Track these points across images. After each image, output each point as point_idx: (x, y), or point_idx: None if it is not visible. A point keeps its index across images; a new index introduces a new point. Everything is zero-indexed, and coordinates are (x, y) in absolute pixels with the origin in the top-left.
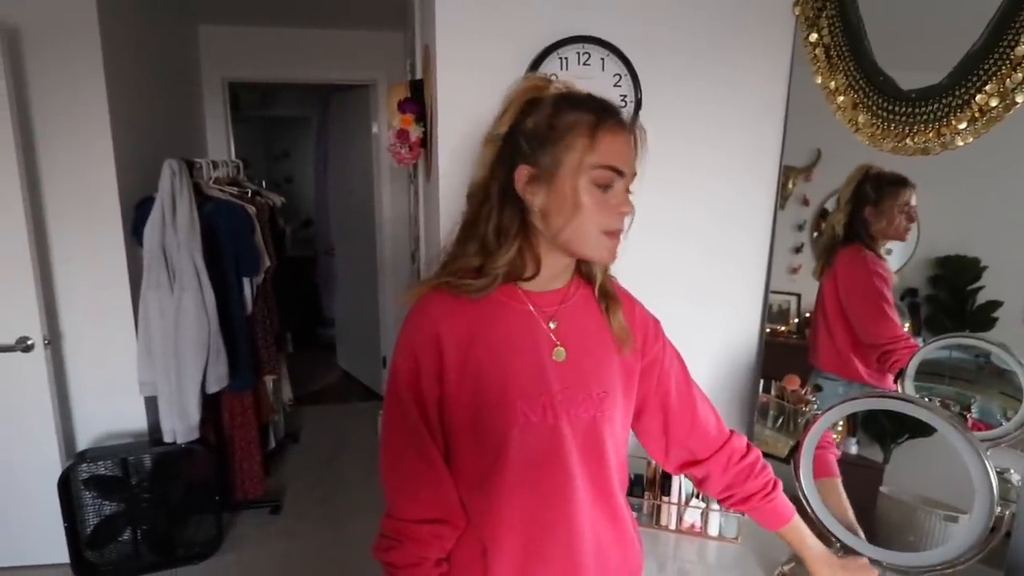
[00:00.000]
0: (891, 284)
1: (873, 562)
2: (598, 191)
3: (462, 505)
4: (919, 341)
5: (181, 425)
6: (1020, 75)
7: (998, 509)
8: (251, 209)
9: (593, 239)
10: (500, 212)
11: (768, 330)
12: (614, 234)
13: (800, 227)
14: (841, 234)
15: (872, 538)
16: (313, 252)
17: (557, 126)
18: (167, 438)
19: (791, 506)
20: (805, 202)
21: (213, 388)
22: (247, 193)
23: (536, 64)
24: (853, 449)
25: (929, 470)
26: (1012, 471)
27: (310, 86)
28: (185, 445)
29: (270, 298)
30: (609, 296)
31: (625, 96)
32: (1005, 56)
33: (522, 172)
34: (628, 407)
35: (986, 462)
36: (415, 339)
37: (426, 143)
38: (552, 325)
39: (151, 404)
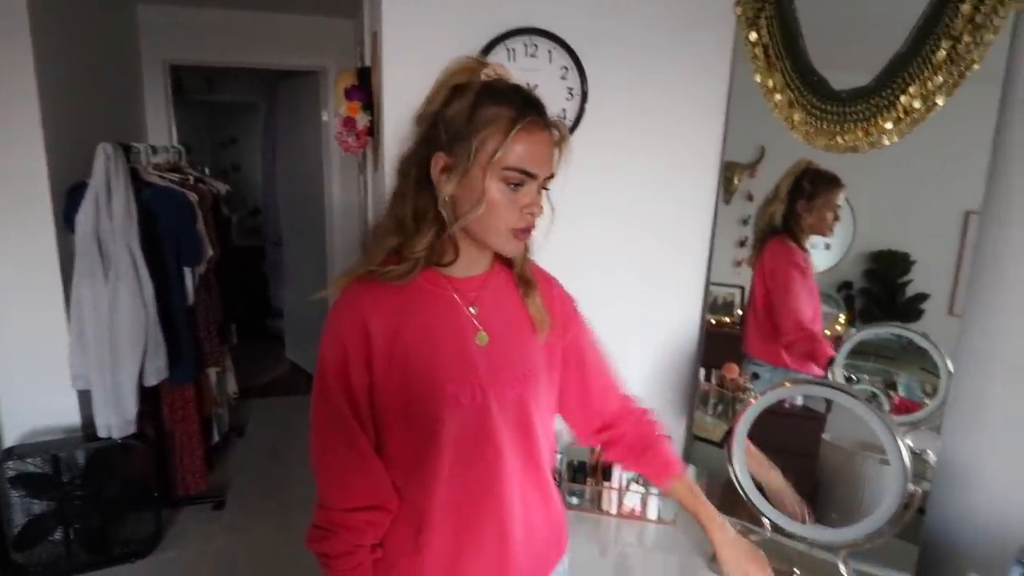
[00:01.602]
0: (809, 276)
1: (795, 538)
2: (508, 189)
3: (394, 490)
4: (852, 331)
5: (117, 419)
6: (940, 79)
7: (911, 487)
8: (193, 196)
9: (502, 235)
10: (417, 195)
11: (713, 321)
12: (522, 232)
13: (745, 222)
14: (780, 223)
15: (816, 484)
16: (261, 242)
17: (475, 120)
18: (102, 433)
19: (681, 463)
20: (750, 198)
21: (152, 381)
22: (189, 180)
23: (483, 54)
24: (799, 401)
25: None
26: (929, 452)
27: (258, 71)
28: (121, 440)
29: (213, 289)
30: (528, 282)
31: (572, 88)
32: (927, 60)
33: (438, 159)
34: (552, 383)
35: (900, 444)
36: (342, 330)
37: (373, 132)
38: (473, 310)
39: (85, 398)
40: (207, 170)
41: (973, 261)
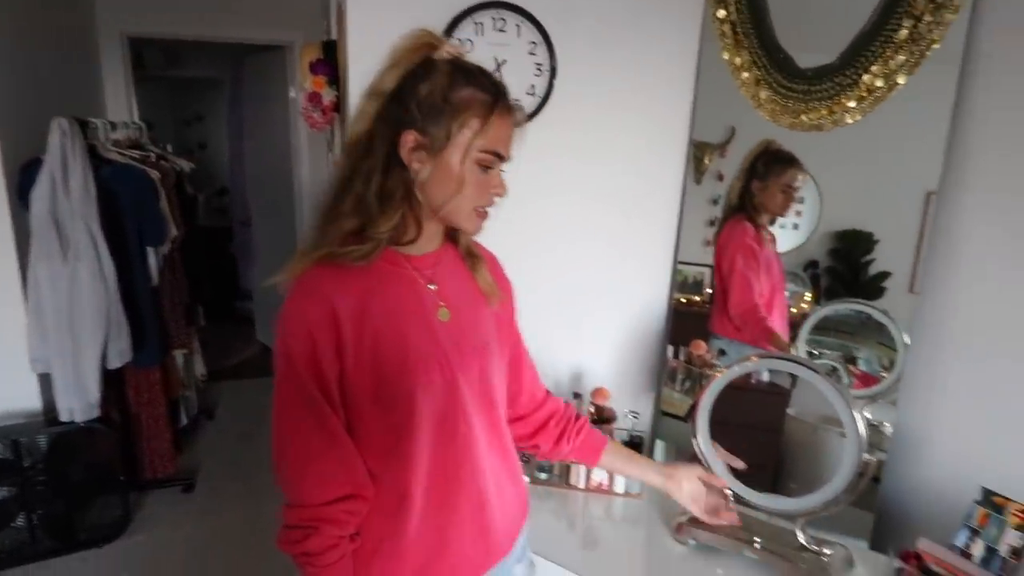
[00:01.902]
0: (759, 256)
1: (756, 507)
2: (480, 172)
3: (369, 476)
4: (817, 308)
5: (79, 403)
6: (902, 57)
7: (865, 456)
8: (155, 174)
9: (466, 215)
10: (384, 175)
11: (684, 300)
12: (485, 213)
13: (715, 201)
14: (735, 203)
15: (781, 458)
16: (229, 222)
17: (452, 100)
18: (64, 417)
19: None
20: (720, 177)
21: (115, 363)
22: (150, 157)
23: (451, 28)
24: (765, 376)
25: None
26: (886, 423)
27: (223, 45)
28: (85, 424)
29: (179, 269)
30: (474, 255)
31: (540, 64)
32: (889, 39)
33: (408, 138)
34: (503, 355)
35: (854, 414)
36: (309, 319)
37: (339, 107)
38: (432, 287)
39: (46, 381)
40: (170, 147)
41: (929, 240)
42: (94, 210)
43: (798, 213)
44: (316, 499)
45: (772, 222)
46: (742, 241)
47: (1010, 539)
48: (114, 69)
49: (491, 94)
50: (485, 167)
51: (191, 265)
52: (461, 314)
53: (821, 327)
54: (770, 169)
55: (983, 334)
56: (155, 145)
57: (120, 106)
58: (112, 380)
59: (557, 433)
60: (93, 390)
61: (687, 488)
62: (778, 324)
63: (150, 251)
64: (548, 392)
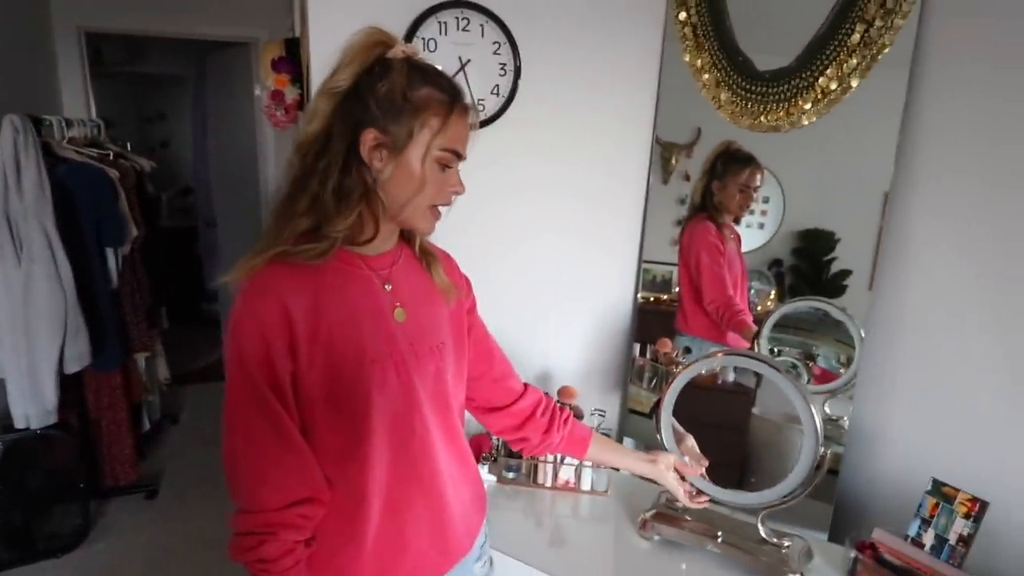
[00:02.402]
0: (725, 253)
1: (717, 501)
2: (439, 170)
3: (327, 479)
4: (780, 305)
5: (35, 409)
6: (855, 61)
7: (822, 449)
8: (113, 173)
9: (422, 213)
10: (342, 173)
11: (651, 299)
12: (439, 211)
13: (682, 201)
14: (697, 202)
15: (746, 456)
16: (193, 222)
17: (412, 99)
18: (19, 424)
19: (588, 427)
20: (687, 177)
21: (73, 368)
22: (109, 156)
23: (414, 27)
24: (730, 377)
25: None
26: (845, 418)
27: (185, 41)
28: (41, 431)
29: (140, 270)
30: (428, 253)
31: (504, 64)
32: (843, 43)
33: (368, 136)
34: (461, 353)
35: (811, 408)
36: (261, 319)
37: (303, 106)
38: (388, 288)
39: (0, 388)
40: (129, 145)
41: (883, 239)
42: (49, 210)
43: (763, 212)
44: (271, 504)
45: (737, 221)
46: (705, 239)
47: (958, 528)
48: (70, 65)
49: (449, 94)
50: (444, 166)
51: (154, 266)
52: (417, 314)
53: (782, 324)
54: (728, 169)
55: (931, 330)
56: (114, 143)
57: (77, 103)
58: (70, 385)
59: (545, 423)
60: (50, 395)
61: (673, 474)
62: None
63: (109, 252)
64: (527, 384)
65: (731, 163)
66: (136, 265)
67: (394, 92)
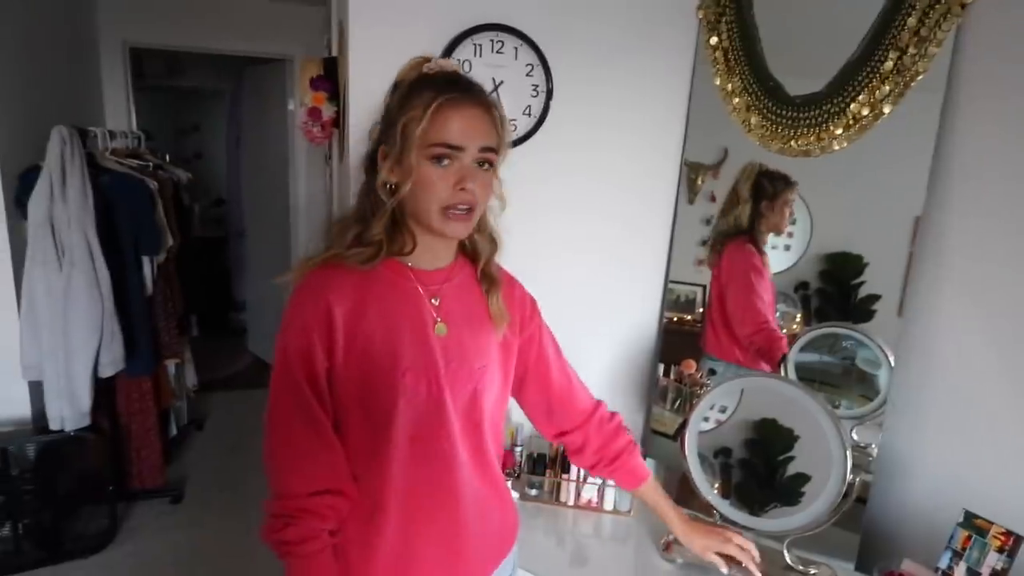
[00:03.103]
0: (766, 277)
1: (743, 527)
2: (435, 166)
3: (353, 477)
4: (807, 329)
5: (70, 411)
6: (887, 88)
7: (851, 477)
8: (152, 184)
9: (436, 214)
10: (371, 186)
11: (675, 319)
12: (458, 214)
13: (708, 222)
14: (747, 225)
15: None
16: (224, 233)
17: (403, 105)
18: (54, 425)
19: (648, 468)
20: (712, 198)
21: (107, 372)
22: (148, 167)
23: (450, 49)
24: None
25: None
26: (873, 446)
27: (222, 57)
28: (74, 433)
29: (173, 279)
30: (491, 279)
31: (537, 86)
32: (875, 70)
33: (380, 152)
34: (506, 380)
35: (842, 434)
36: (306, 315)
37: (339, 123)
38: (435, 302)
39: (36, 389)
40: (168, 157)
41: (915, 263)
42: (91, 218)
43: (790, 234)
44: (299, 491)
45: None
46: (751, 262)
47: (992, 562)
48: (114, 78)
49: (436, 89)
50: (439, 159)
51: (186, 275)
52: (461, 332)
53: (806, 378)
54: (778, 188)
55: (964, 358)
56: (153, 154)
57: (119, 115)
58: (103, 388)
59: (591, 463)
60: (84, 398)
61: (712, 555)
62: None
63: (145, 260)
64: (591, 412)
65: (777, 182)
66: (170, 274)
67: (392, 105)
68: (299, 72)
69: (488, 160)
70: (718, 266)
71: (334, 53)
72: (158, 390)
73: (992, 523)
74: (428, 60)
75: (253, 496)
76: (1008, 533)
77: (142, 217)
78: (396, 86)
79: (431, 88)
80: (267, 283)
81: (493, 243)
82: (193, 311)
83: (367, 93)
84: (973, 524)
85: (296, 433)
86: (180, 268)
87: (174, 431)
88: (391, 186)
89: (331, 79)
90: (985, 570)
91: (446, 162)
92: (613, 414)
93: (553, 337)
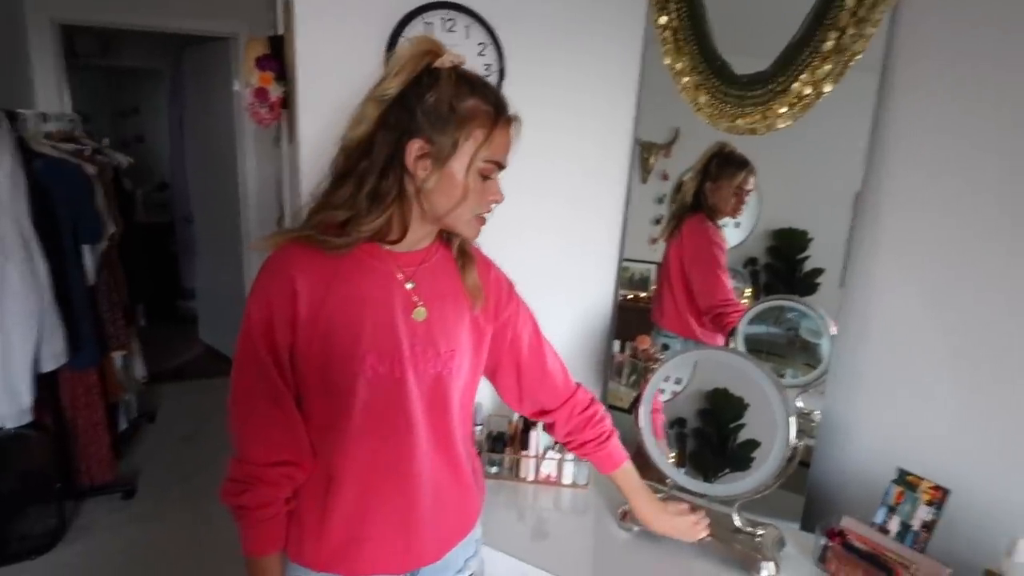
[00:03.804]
0: (726, 253)
1: (694, 494)
2: (481, 181)
3: (311, 447)
4: (755, 303)
5: (10, 408)
6: (828, 67)
7: (794, 441)
8: (90, 169)
9: (466, 221)
10: (380, 177)
11: (630, 296)
12: (483, 219)
13: (660, 200)
14: (689, 202)
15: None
16: (169, 218)
17: (459, 110)
18: None
19: (623, 455)
20: (665, 177)
21: (49, 366)
22: (86, 151)
23: (401, 27)
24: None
25: None
26: (817, 412)
27: (162, 35)
28: (15, 430)
29: (116, 267)
30: (466, 255)
31: (489, 65)
32: (817, 49)
33: (414, 145)
34: (477, 364)
35: (785, 401)
36: (271, 288)
37: (287, 103)
38: (410, 286)
39: None
40: (107, 141)
41: (852, 237)
42: (24, 206)
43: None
44: (258, 459)
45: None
46: (714, 238)
47: (922, 514)
48: (44, 58)
49: (494, 105)
50: (486, 176)
51: (130, 263)
52: (435, 315)
53: (755, 350)
54: (722, 171)
55: (897, 327)
56: (91, 138)
57: (51, 96)
58: (46, 383)
59: (565, 443)
60: (25, 394)
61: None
62: None
63: (86, 249)
64: (567, 396)
65: (726, 166)
66: (113, 262)
67: (441, 103)
68: (244, 51)
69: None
70: (678, 240)
71: (280, 31)
72: (105, 383)
73: (922, 479)
74: (437, 48)
75: (208, 488)
76: (937, 487)
77: (80, 204)
78: (428, 75)
79: (485, 100)
80: (218, 269)
81: None
82: (139, 300)
83: (316, 71)
84: (906, 481)
85: (256, 402)
86: (124, 256)
87: (124, 424)
88: (421, 183)
89: (278, 58)
90: (916, 522)
91: (489, 179)
92: (591, 402)
93: (533, 320)
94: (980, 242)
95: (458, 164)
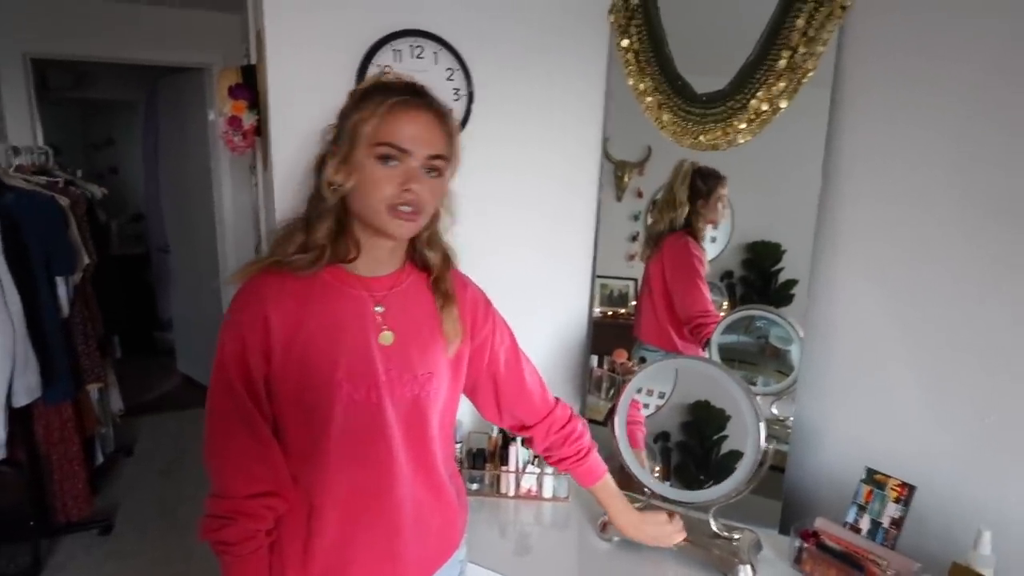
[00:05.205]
0: (705, 266)
1: (672, 502)
2: (381, 165)
3: (290, 477)
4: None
5: None
6: (783, 84)
7: (764, 446)
8: (64, 201)
9: (381, 213)
10: (318, 192)
11: (609, 312)
12: (404, 213)
13: (636, 217)
14: (681, 224)
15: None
16: (145, 249)
17: (356, 107)
18: None
19: (602, 469)
20: (639, 194)
21: (22, 400)
22: (59, 183)
23: (370, 55)
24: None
25: None
26: (790, 418)
27: (135, 67)
28: None
29: (91, 299)
30: (445, 296)
31: (458, 89)
32: (771, 68)
33: (330, 151)
34: (455, 386)
35: (754, 406)
36: (243, 319)
37: (260, 131)
38: (379, 309)
39: None
40: (80, 173)
41: (815, 245)
42: None
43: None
44: (237, 492)
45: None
46: (693, 251)
47: (890, 512)
48: (15, 91)
49: (386, 94)
50: (385, 158)
51: (105, 295)
52: (407, 340)
53: (729, 359)
54: (710, 186)
55: (861, 332)
56: (63, 170)
57: (23, 130)
58: (19, 418)
59: (550, 461)
60: None
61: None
62: None
63: (59, 281)
64: (545, 412)
65: (708, 178)
66: (87, 294)
67: (346, 109)
68: (217, 81)
69: (436, 168)
70: (658, 258)
71: (253, 61)
72: (80, 417)
73: (890, 477)
74: (384, 72)
75: (187, 521)
76: (903, 484)
77: (53, 236)
78: (353, 93)
79: (386, 91)
80: (195, 300)
81: (446, 259)
82: (115, 332)
83: (288, 99)
84: (874, 479)
85: (234, 435)
86: (99, 288)
87: (101, 459)
88: (335, 186)
89: (250, 87)
90: (885, 519)
91: (393, 163)
92: (569, 418)
93: (511, 336)
94: (928, 251)
95: (355, 155)
